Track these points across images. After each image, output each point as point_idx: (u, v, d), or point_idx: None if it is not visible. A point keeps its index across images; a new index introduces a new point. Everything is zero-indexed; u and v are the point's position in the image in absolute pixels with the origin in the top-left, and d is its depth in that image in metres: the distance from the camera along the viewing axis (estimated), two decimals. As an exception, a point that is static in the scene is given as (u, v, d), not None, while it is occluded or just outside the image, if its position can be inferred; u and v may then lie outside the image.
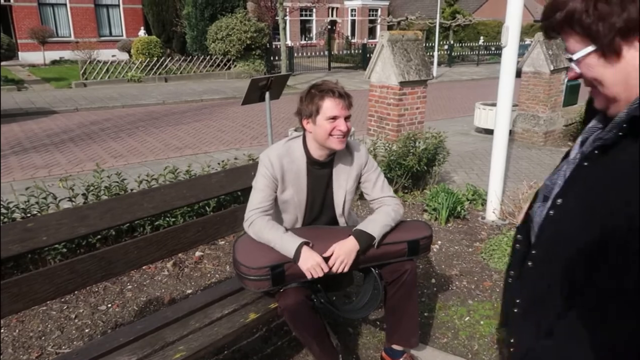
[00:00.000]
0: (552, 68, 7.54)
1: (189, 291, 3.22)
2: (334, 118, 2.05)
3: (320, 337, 2.11)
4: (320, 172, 2.22)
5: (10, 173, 6.62)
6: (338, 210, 2.29)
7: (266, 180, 2.16)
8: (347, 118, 2.09)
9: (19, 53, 21.71)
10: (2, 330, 2.76)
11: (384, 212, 2.23)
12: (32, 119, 10.81)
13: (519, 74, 4.21)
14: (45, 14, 23.73)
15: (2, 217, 3.02)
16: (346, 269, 2.06)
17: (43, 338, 2.71)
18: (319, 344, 2.10)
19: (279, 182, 2.17)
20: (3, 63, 16.00)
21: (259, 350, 2.58)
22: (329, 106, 2.05)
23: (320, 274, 2.00)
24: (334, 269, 2.04)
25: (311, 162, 2.19)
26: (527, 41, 19.88)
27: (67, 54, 22.47)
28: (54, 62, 22.34)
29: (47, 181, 6.10)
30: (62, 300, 3.04)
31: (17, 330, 2.78)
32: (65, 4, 24.09)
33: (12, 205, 3.19)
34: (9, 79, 15.81)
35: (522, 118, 8.13)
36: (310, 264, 1.98)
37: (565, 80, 7.92)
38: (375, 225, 2.15)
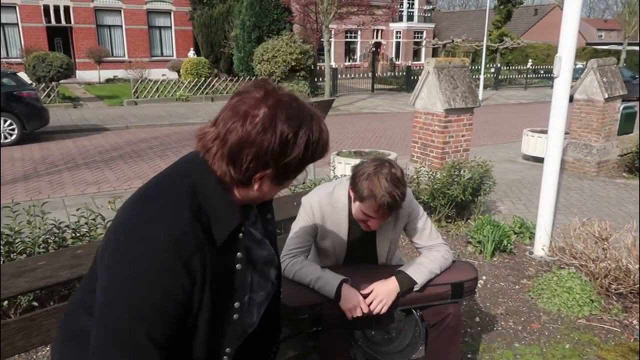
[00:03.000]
0: (606, 96, 7.25)
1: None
2: (369, 216, 1.94)
3: None
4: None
5: (62, 188, 6.90)
6: (381, 260, 2.21)
7: (306, 227, 2.11)
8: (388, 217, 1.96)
9: (77, 71, 22.86)
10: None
11: (433, 257, 2.13)
12: (85, 136, 11.31)
13: (570, 99, 4.06)
14: (102, 35, 25.03)
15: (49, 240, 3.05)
16: (384, 310, 1.99)
17: None
18: None
19: (319, 230, 2.12)
20: (62, 81, 16.87)
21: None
22: (367, 208, 1.89)
23: (360, 314, 1.94)
24: (372, 309, 1.97)
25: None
26: (579, 65, 19.32)
27: (120, 73, 23.55)
28: (108, 81, 23.46)
29: (97, 197, 6.32)
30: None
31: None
32: (121, 26, 25.34)
33: (64, 225, 3.29)
34: (66, 96, 16.65)
35: (574, 147, 7.83)
36: (352, 303, 1.93)
37: (621, 108, 7.60)
38: (421, 270, 2.06)
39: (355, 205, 1.98)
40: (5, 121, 9.96)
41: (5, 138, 10.00)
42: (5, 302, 2.85)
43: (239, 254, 1.19)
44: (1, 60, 21.43)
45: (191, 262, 1.06)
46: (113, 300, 1.06)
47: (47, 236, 3.02)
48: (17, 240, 2.93)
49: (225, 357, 1.25)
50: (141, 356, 1.04)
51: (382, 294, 1.98)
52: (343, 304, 1.93)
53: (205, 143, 1.08)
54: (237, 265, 1.19)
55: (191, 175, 1.11)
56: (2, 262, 2.72)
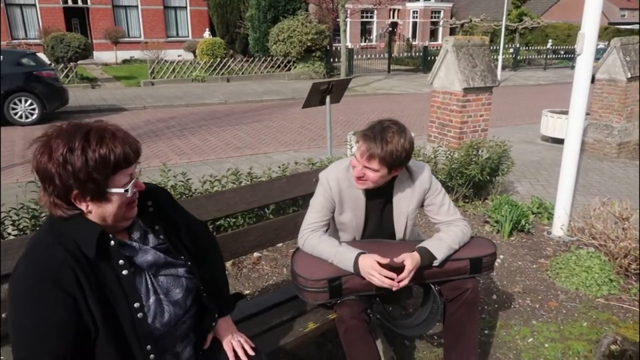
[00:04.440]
0: (629, 75, 7.09)
1: (247, 291, 3.27)
2: (356, 159, 1.99)
3: (369, 355, 1.99)
4: (379, 197, 2.15)
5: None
6: (399, 235, 2.21)
7: (324, 201, 2.13)
8: (368, 168, 1.96)
9: (94, 52, 22.99)
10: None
11: (453, 232, 2.14)
12: (103, 116, 11.41)
13: (592, 80, 3.98)
14: (119, 16, 25.07)
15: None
16: (405, 282, 1.99)
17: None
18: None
19: (337, 204, 2.14)
20: (80, 62, 17.01)
21: (314, 357, 2.58)
22: (357, 146, 1.98)
23: (381, 281, 1.94)
24: (400, 280, 1.95)
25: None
26: (600, 45, 18.85)
27: (136, 54, 23.64)
28: (124, 61, 23.56)
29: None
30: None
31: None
32: (137, 6, 25.32)
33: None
34: (84, 77, 16.79)
35: (594, 128, 7.70)
36: (371, 271, 1.93)
37: (644, 88, 7.43)
38: (440, 246, 2.07)
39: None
40: (25, 101, 10.11)
41: (27, 117, 10.17)
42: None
43: (120, 261, 1.33)
44: (20, 41, 21.67)
45: (58, 281, 1.21)
46: (15, 341, 1.21)
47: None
48: (42, 215, 3.01)
49: (151, 355, 1.37)
50: None
51: (410, 266, 1.97)
52: (364, 274, 1.95)
53: (39, 197, 1.30)
54: (123, 272, 1.33)
55: (47, 221, 1.33)
56: (27, 233, 2.80)
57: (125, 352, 1.31)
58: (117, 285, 1.31)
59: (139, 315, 1.34)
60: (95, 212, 1.30)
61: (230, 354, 1.59)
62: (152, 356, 1.38)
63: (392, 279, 1.94)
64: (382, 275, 1.93)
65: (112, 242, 1.33)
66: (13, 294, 1.23)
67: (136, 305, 1.34)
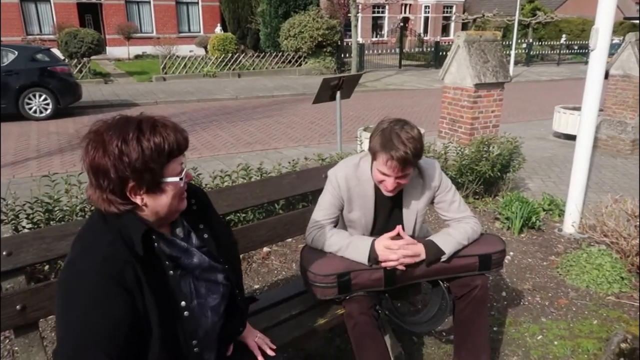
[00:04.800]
0: (644, 71, 6.99)
1: (256, 286, 3.30)
2: (384, 174, 1.95)
3: (378, 351, 2.00)
4: (388, 195, 2.12)
5: (95, 162, 7.09)
6: (408, 232, 2.18)
7: (332, 199, 2.14)
8: (402, 177, 1.95)
9: (107, 48, 23.16)
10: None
11: (462, 228, 2.13)
12: (116, 110, 11.50)
13: (605, 75, 3.93)
14: (131, 11, 25.21)
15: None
16: (400, 260, 1.98)
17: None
18: (374, 356, 1.99)
19: (346, 202, 2.14)
20: (93, 57, 17.15)
21: (322, 352, 2.60)
22: (380, 163, 1.92)
23: (399, 257, 1.97)
24: (394, 254, 1.97)
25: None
26: (615, 40, 18.58)
27: (149, 49, 23.76)
28: (137, 57, 23.71)
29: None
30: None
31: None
32: (150, 2, 25.45)
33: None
34: (97, 72, 16.93)
35: (608, 124, 7.61)
36: (387, 251, 1.96)
37: (659, 84, 7.32)
38: (449, 241, 2.06)
39: (373, 166, 2.00)
40: (40, 96, 10.23)
41: (41, 112, 10.29)
42: (47, 266, 2.99)
43: (166, 262, 1.33)
44: (35, 36, 21.91)
45: (122, 277, 1.21)
46: (66, 333, 1.20)
47: (84, 205, 3.13)
48: (56, 209, 3.05)
49: (196, 349, 1.38)
50: None
51: (409, 250, 1.99)
52: (382, 256, 1.97)
53: (88, 194, 1.29)
54: (169, 272, 1.34)
55: (99, 217, 1.30)
56: (41, 227, 2.85)
57: (174, 349, 1.32)
58: (166, 284, 1.32)
59: (186, 313, 1.35)
60: (149, 204, 1.28)
61: (256, 352, 1.61)
62: (196, 350, 1.38)
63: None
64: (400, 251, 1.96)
65: (157, 243, 1.32)
66: (68, 290, 1.21)
67: (183, 304, 1.35)
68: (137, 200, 1.26)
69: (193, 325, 1.37)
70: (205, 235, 1.48)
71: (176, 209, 1.35)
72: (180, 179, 1.31)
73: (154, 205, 1.29)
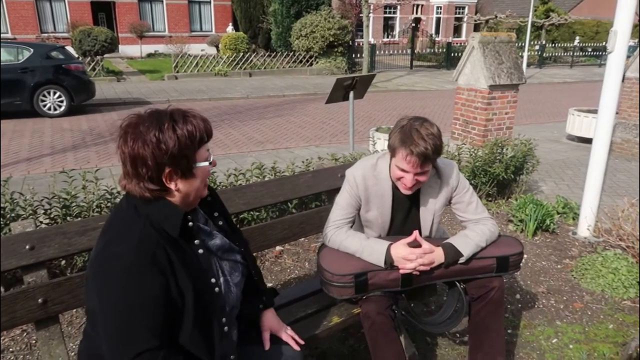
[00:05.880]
0: (660, 74, 6.92)
1: (269, 284, 3.31)
2: (403, 171, 1.95)
3: (394, 351, 2.01)
4: (406, 195, 2.11)
5: (109, 158, 7.15)
6: (425, 232, 2.19)
7: (350, 199, 2.14)
8: (421, 173, 1.95)
9: (120, 46, 23.33)
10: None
11: (480, 230, 2.12)
12: (128, 108, 11.61)
13: (622, 78, 3.89)
14: (144, 10, 25.39)
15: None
16: (415, 265, 1.97)
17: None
18: (390, 356, 2.00)
19: (363, 202, 2.14)
20: (106, 55, 17.29)
21: (336, 351, 2.60)
22: (399, 159, 1.93)
23: (415, 263, 1.96)
24: (411, 263, 1.97)
25: (396, 185, 2.10)
26: (631, 42, 18.38)
27: (161, 48, 23.93)
28: (149, 55, 23.87)
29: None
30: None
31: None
32: (162, 1, 25.60)
33: (116, 191, 3.42)
34: (110, 70, 17.07)
35: (623, 127, 7.53)
36: (403, 256, 1.96)
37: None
38: (467, 243, 2.06)
39: (392, 163, 2.00)
40: (54, 93, 10.33)
41: (55, 110, 10.39)
42: (63, 262, 3.02)
43: (196, 241, 1.43)
44: (49, 34, 22.13)
45: (155, 259, 1.29)
46: (108, 316, 1.27)
47: (101, 201, 3.16)
48: (73, 204, 3.08)
49: (225, 327, 1.48)
50: (145, 345, 1.25)
51: (427, 256, 1.99)
52: (398, 262, 1.97)
53: (122, 184, 1.36)
54: (199, 250, 1.43)
55: (128, 204, 1.38)
56: (59, 222, 2.88)
57: (206, 325, 1.40)
58: (197, 263, 1.40)
59: (216, 289, 1.45)
60: (182, 189, 1.37)
61: (291, 342, 1.71)
62: (226, 328, 1.48)
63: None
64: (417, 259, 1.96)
65: (191, 223, 1.42)
66: (105, 274, 1.28)
67: (213, 280, 1.45)
68: (172, 185, 1.35)
69: (223, 301, 1.48)
70: (220, 222, 1.61)
71: (201, 194, 1.45)
72: (210, 163, 1.42)
73: (186, 189, 1.38)
